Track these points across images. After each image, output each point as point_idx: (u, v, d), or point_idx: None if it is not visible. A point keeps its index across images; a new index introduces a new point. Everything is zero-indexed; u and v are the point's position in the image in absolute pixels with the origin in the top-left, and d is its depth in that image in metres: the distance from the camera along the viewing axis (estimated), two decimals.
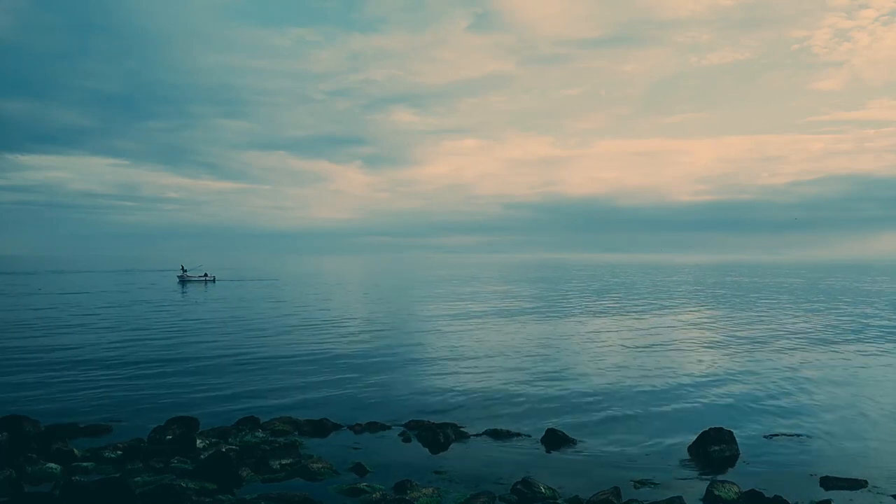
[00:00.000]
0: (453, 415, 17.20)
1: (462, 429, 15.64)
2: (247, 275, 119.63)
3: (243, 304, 54.42)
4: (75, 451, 13.05)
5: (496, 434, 15.37)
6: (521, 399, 19.27)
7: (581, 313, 47.26)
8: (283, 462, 12.68)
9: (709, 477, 12.35)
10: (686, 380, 22.26)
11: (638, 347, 29.89)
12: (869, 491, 11.85)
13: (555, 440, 14.74)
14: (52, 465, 12.23)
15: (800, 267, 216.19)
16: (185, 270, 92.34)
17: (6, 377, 21.67)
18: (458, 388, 20.63)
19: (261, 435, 14.75)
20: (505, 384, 21.31)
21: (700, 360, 26.27)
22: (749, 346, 30.35)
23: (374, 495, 11.14)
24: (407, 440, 14.92)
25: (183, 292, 68.42)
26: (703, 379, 22.42)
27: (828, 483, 12.14)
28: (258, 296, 64.63)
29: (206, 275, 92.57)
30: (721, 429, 14.14)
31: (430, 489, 11.37)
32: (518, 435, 15.38)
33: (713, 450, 13.64)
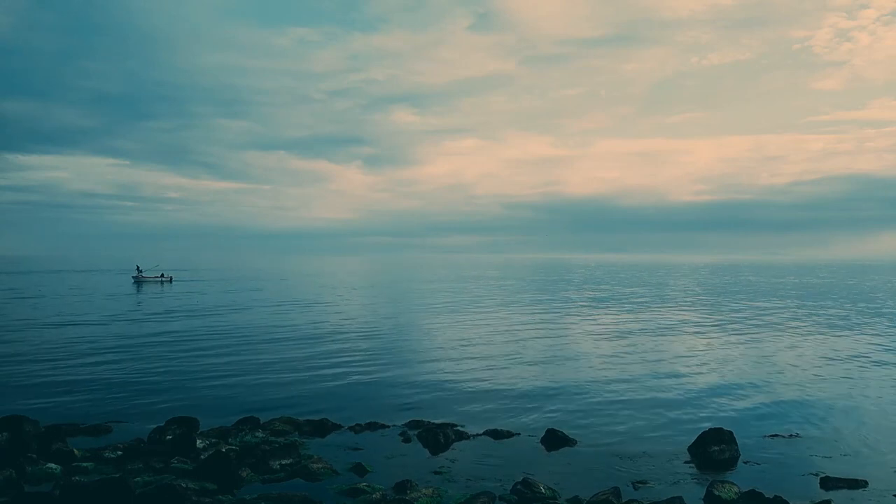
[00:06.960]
0: (453, 415, 17.19)
1: (462, 429, 15.64)
2: (247, 275, 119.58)
3: (240, 304, 54.40)
4: (75, 451, 13.05)
5: (496, 434, 15.36)
6: (522, 399, 19.26)
7: (581, 313, 47.24)
8: (283, 462, 12.68)
9: (709, 477, 12.36)
10: (686, 380, 22.27)
11: (638, 348, 29.87)
12: (869, 491, 11.85)
13: (555, 440, 14.74)
14: (52, 465, 12.23)
15: (801, 267, 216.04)
16: (141, 271, 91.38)
17: (6, 377, 21.67)
18: (458, 388, 20.62)
19: (261, 435, 14.74)
20: (505, 384, 21.31)
21: (700, 361, 26.27)
22: (749, 346, 30.34)
23: (374, 495, 11.14)
24: (407, 440, 14.91)
25: (139, 293, 67.30)
26: (704, 379, 22.43)
27: (828, 483, 12.14)
28: (257, 296, 64.59)
29: (162, 275, 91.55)
30: (721, 429, 14.15)
31: (430, 489, 11.37)
32: (518, 435, 15.37)
33: (713, 450, 13.64)
